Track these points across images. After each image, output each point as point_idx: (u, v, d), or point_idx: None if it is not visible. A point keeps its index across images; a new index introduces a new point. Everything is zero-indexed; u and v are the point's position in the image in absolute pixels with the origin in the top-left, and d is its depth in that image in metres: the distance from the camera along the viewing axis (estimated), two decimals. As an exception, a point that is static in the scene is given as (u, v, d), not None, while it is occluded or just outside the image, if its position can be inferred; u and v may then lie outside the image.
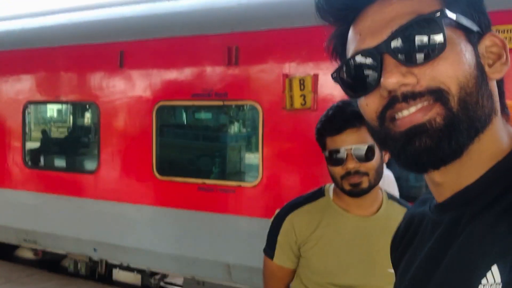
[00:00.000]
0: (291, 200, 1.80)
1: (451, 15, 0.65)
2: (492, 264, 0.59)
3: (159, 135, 4.83)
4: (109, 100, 5.09)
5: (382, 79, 0.66)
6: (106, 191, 5.15)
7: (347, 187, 1.58)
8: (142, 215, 4.90)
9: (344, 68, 0.74)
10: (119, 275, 5.47)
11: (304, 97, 3.96)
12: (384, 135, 0.70)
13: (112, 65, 5.01)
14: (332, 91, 3.96)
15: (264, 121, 4.21)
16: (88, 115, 5.97)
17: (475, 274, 0.60)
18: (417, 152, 0.66)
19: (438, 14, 0.65)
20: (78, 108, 6.00)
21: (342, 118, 1.55)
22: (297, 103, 3.97)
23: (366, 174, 1.56)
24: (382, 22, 0.68)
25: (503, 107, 0.72)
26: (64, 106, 6.12)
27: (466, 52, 0.66)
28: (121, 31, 5.05)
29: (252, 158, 4.68)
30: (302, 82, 3.96)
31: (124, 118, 5.02)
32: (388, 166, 3.34)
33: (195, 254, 4.56)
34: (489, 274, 0.59)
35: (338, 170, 1.58)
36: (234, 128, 5.12)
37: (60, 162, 6.10)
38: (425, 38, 0.65)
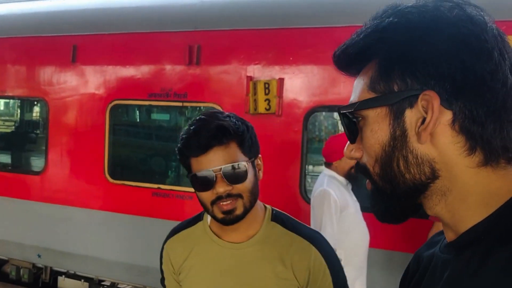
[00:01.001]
0: (177, 224, 1.65)
1: (353, 105, 0.76)
2: None
3: (112, 136, 4.58)
4: (60, 96, 4.80)
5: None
6: (53, 193, 4.88)
7: (219, 215, 1.40)
8: (91, 220, 4.66)
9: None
10: (64, 283, 5.20)
11: (269, 101, 3.82)
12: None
13: (63, 59, 4.72)
14: (297, 96, 3.84)
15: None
16: (36, 112, 5.65)
17: None
18: (372, 208, 0.80)
19: (345, 109, 0.79)
20: (26, 105, 5.67)
21: (207, 134, 1.36)
22: (261, 107, 3.83)
23: (239, 196, 1.39)
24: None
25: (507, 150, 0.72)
26: (11, 102, 5.78)
27: (377, 131, 0.74)
28: (75, 23, 4.77)
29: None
30: (267, 86, 3.82)
31: (75, 117, 4.75)
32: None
33: (147, 263, 4.34)
34: None
35: (207, 196, 1.39)
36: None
37: (3, 162, 5.76)
38: (346, 126, 0.81)
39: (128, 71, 4.51)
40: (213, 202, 1.38)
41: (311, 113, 3.86)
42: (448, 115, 0.68)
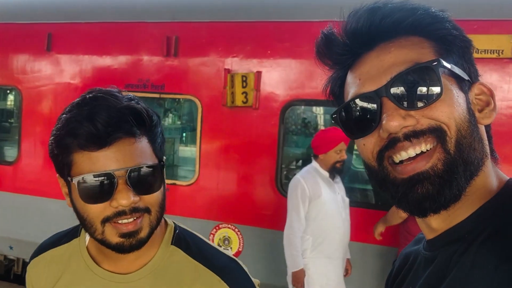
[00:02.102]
0: (48, 237, 1.22)
1: (447, 65, 0.71)
2: None
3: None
4: (33, 85, 4.69)
5: (383, 122, 0.70)
6: (26, 184, 4.78)
7: (114, 238, 0.95)
8: (66, 212, 4.57)
9: (344, 110, 0.78)
10: (37, 275, 5.10)
11: (246, 94, 3.83)
12: (383, 176, 0.74)
13: (38, 48, 4.61)
14: (274, 89, 3.86)
15: (203, 118, 4.04)
16: (8, 101, 5.51)
17: None
18: (419, 199, 0.69)
19: (435, 63, 0.70)
20: (-2, 93, 5.52)
21: (112, 120, 0.92)
22: (239, 100, 3.83)
23: (147, 211, 0.97)
24: (382, 68, 0.73)
25: (492, 150, 0.77)
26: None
27: (459, 98, 0.71)
28: (50, 11, 4.66)
29: (189, 156, 4.51)
30: (244, 79, 3.83)
31: (49, 106, 4.65)
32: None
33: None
34: None
35: (98, 210, 0.94)
36: (170, 122, 4.91)
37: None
38: (422, 85, 0.70)
39: (105, 61, 4.45)
40: (106, 220, 0.95)
41: (288, 106, 3.89)
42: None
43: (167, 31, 4.13)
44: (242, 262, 1.14)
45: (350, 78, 0.78)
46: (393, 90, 0.71)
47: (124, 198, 0.93)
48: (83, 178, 0.94)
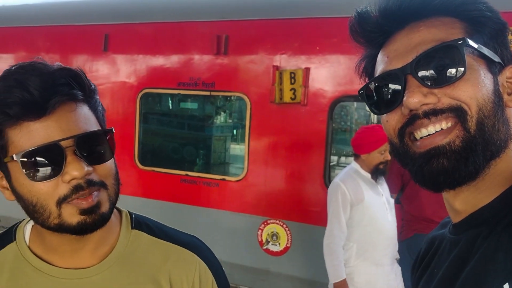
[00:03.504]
0: None
1: (473, 44, 0.71)
2: (504, 283, 0.62)
3: (142, 123, 4.69)
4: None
5: (404, 98, 0.72)
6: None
7: (74, 218, 0.84)
8: (123, 206, 4.77)
9: (370, 87, 0.80)
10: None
11: (294, 91, 3.85)
12: (404, 152, 0.76)
13: (96, 48, 4.83)
14: (323, 86, 3.86)
15: (252, 114, 4.10)
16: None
17: None
18: (434, 173, 0.71)
19: (461, 42, 0.70)
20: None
21: (48, 83, 0.82)
22: (287, 97, 3.86)
23: (103, 185, 0.87)
24: (409, 46, 0.74)
25: None
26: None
27: (486, 79, 0.71)
28: (107, 13, 4.87)
29: (238, 152, 4.58)
30: (292, 76, 3.85)
31: (106, 105, 4.82)
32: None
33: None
34: None
35: (51, 189, 0.83)
36: (220, 119, 5.01)
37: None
38: (447, 63, 0.70)
39: (158, 61, 4.60)
40: (63, 200, 0.83)
41: (337, 102, 3.87)
42: None
43: (217, 30, 4.21)
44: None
45: (380, 56, 0.80)
46: (418, 67, 0.72)
47: (77, 169, 0.81)
48: (27, 152, 0.81)
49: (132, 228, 1.02)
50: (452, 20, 0.74)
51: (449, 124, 0.70)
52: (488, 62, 0.73)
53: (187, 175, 4.46)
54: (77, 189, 0.83)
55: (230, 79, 4.22)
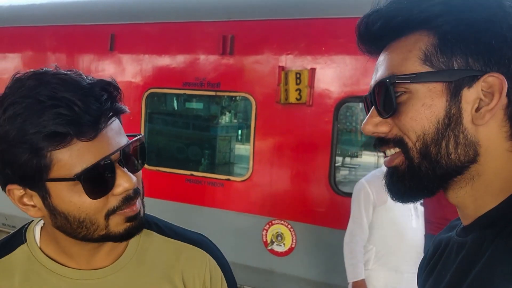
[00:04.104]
0: None
1: (411, 76, 0.72)
2: (510, 286, 0.62)
3: (148, 123, 4.70)
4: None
5: (363, 124, 0.80)
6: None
7: (121, 226, 0.86)
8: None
9: (364, 100, 0.85)
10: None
11: (299, 91, 3.84)
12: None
13: (102, 48, 4.86)
14: (328, 86, 3.85)
15: (257, 115, 4.10)
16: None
17: None
18: (390, 187, 0.80)
19: (388, 80, 0.74)
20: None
21: (92, 101, 0.79)
22: (292, 97, 3.85)
23: (139, 194, 0.90)
24: (378, 67, 0.79)
25: None
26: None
27: (431, 106, 0.71)
28: (113, 13, 4.89)
29: (243, 152, 4.58)
30: (298, 76, 3.84)
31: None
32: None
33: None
34: None
35: (101, 204, 0.83)
36: (225, 119, 5.01)
37: None
38: (386, 97, 0.75)
39: (164, 61, 4.61)
40: (112, 212, 0.84)
41: (342, 103, 3.86)
42: (505, 100, 0.70)
43: (223, 30, 4.21)
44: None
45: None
46: (374, 97, 0.78)
47: (127, 181, 0.83)
48: (86, 171, 0.79)
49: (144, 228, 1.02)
50: (418, 38, 0.73)
51: (396, 150, 0.77)
52: (445, 82, 0.71)
53: (192, 175, 4.47)
54: (127, 199, 0.85)
55: (236, 79, 4.22)
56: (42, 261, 0.93)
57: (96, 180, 0.81)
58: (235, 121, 5.06)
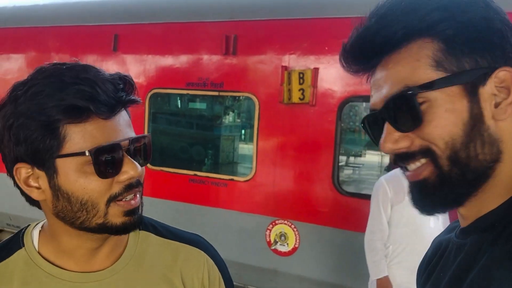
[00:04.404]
0: None
1: (432, 83, 0.70)
2: None
3: (151, 123, 4.71)
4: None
5: (380, 143, 0.76)
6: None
7: (118, 218, 0.87)
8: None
9: (364, 121, 0.83)
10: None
11: (303, 91, 3.84)
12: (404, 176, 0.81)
13: (105, 48, 4.87)
14: (332, 86, 3.85)
15: (260, 115, 4.10)
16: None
17: None
18: (419, 202, 0.77)
19: (410, 92, 0.71)
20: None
21: (115, 86, 0.85)
22: (295, 97, 3.85)
23: (141, 186, 0.92)
24: (382, 85, 0.76)
25: None
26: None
27: (454, 111, 0.70)
28: (116, 13, 4.90)
29: (246, 152, 4.58)
30: (301, 76, 3.84)
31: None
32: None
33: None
34: None
35: (105, 188, 0.85)
36: (229, 119, 5.01)
37: None
38: (406, 110, 0.72)
39: (167, 61, 4.62)
40: (112, 198, 0.86)
41: (346, 103, 3.86)
42: None
43: (226, 30, 4.22)
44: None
45: (371, 83, 0.82)
46: (388, 112, 0.75)
47: (133, 169, 0.86)
48: (99, 148, 0.82)
49: (139, 229, 1.03)
50: (421, 46, 0.72)
51: (423, 162, 0.74)
52: (464, 84, 0.71)
53: (195, 175, 4.48)
54: (129, 187, 0.87)
55: (239, 79, 4.23)
56: (41, 265, 0.93)
57: (106, 160, 0.83)
58: (238, 121, 5.06)
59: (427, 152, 0.72)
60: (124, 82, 0.87)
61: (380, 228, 3.03)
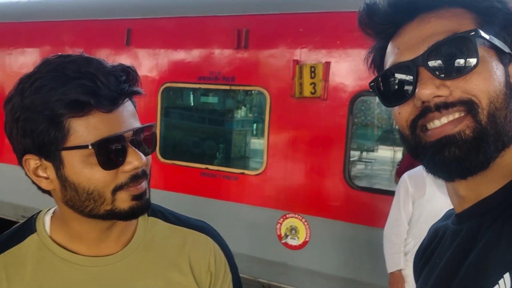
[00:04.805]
0: None
1: (485, 35, 0.70)
2: (505, 272, 0.62)
3: (164, 117, 4.74)
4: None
5: (417, 90, 0.71)
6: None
7: (126, 203, 0.89)
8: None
9: (381, 79, 0.79)
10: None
11: (314, 85, 3.84)
12: (415, 143, 0.75)
13: (118, 42, 4.91)
14: (343, 80, 3.84)
15: (271, 108, 4.10)
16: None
17: (489, 281, 0.65)
18: (446, 162, 0.71)
19: (473, 33, 0.70)
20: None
21: (113, 79, 0.86)
22: (307, 91, 3.85)
23: (147, 176, 0.94)
24: (420, 38, 0.74)
25: None
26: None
27: (497, 70, 0.70)
28: (129, 8, 4.93)
29: (257, 146, 4.60)
30: (313, 70, 3.84)
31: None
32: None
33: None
34: (501, 282, 0.63)
35: (110, 178, 0.87)
36: (240, 113, 5.02)
37: None
38: (459, 55, 0.70)
39: (179, 55, 4.64)
40: (119, 188, 0.88)
41: (357, 97, 3.84)
42: None
43: (238, 24, 4.22)
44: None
45: (390, 47, 0.79)
46: (430, 59, 0.71)
47: (137, 160, 0.87)
48: (101, 141, 0.84)
49: (148, 215, 1.06)
50: (462, 11, 0.74)
51: (461, 114, 0.70)
52: (499, 53, 0.72)
53: (207, 168, 4.50)
54: (135, 177, 0.89)
55: (250, 73, 4.23)
56: (53, 249, 0.96)
57: (109, 152, 0.85)
58: (250, 115, 5.07)
59: (468, 104, 0.70)
60: (127, 74, 0.88)
61: (397, 223, 3.06)
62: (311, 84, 3.84)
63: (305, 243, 4.02)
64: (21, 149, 0.88)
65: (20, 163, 0.91)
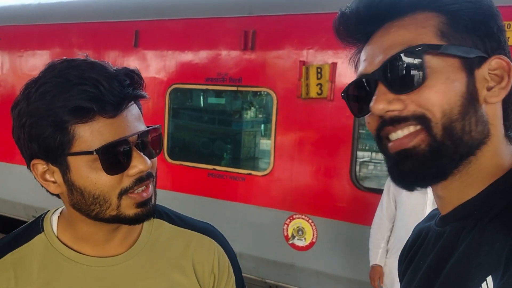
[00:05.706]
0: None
1: (439, 46, 0.70)
2: (487, 275, 0.63)
3: (171, 118, 4.77)
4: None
5: (371, 104, 0.73)
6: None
7: (131, 210, 0.91)
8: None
9: (349, 90, 0.81)
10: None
11: (320, 86, 3.85)
12: (382, 151, 0.78)
13: (126, 44, 4.95)
14: (350, 80, 3.83)
15: (278, 109, 4.12)
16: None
17: (471, 284, 0.65)
18: (402, 174, 0.74)
19: (420, 48, 0.70)
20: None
21: (116, 84, 0.86)
22: (313, 92, 3.86)
23: (153, 177, 0.95)
24: (380, 49, 0.74)
25: (508, 129, 0.76)
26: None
27: (454, 81, 0.69)
28: (137, 10, 4.97)
29: (264, 147, 4.61)
30: (319, 71, 3.84)
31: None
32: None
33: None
34: (484, 285, 0.63)
35: (116, 182, 0.88)
36: (247, 114, 5.04)
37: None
38: (408, 69, 0.70)
39: (187, 56, 4.66)
40: (124, 192, 0.89)
41: (364, 98, 3.84)
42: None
43: (244, 25, 4.24)
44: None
45: (361, 56, 0.81)
46: (385, 73, 0.72)
47: (142, 163, 0.88)
48: (105, 147, 0.84)
49: (154, 217, 1.06)
50: (429, 16, 0.72)
51: (417, 128, 0.71)
52: (463, 59, 0.71)
53: (214, 169, 4.52)
54: (140, 180, 0.90)
55: (257, 75, 4.25)
56: (60, 249, 0.97)
57: (113, 157, 0.86)
58: (256, 116, 5.09)
59: (420, 118, 0.70)
60: (130, 78, 0.89)
61: (379, 221, 3.19)
62: (317, 85, 3.85)
63: (312, 244, 4.02)
64: (28, 154, 0.90)
65: (28, 167, 0.93)
